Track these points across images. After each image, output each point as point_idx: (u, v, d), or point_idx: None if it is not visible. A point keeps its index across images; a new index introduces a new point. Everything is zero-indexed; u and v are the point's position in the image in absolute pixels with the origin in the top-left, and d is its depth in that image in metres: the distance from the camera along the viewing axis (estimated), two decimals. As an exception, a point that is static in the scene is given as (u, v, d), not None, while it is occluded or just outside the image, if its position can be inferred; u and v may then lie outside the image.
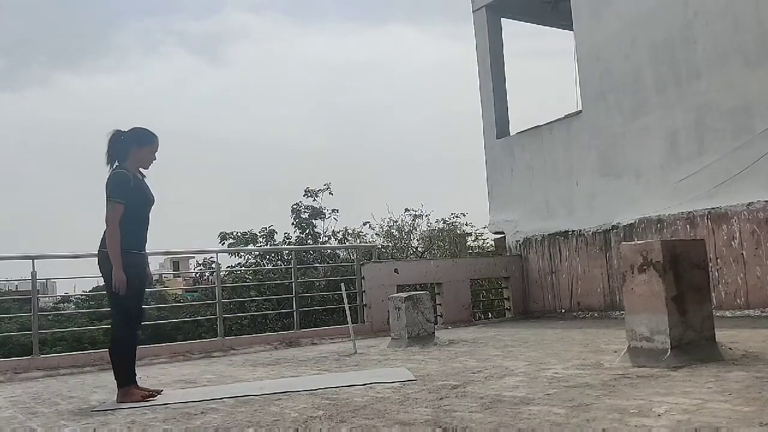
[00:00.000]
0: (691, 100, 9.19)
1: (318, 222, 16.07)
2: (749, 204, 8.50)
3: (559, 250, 10.98)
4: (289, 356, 7.33)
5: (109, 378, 5.10)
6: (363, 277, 9.87)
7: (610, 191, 10.27)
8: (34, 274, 7.52)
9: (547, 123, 11.49)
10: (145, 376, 5.86)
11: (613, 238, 10.14)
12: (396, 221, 18.90)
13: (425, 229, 19.06)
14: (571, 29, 11.15)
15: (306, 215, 15.99)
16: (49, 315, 18.02)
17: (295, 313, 9.42)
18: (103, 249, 4.61)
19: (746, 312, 8.38)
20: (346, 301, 7.58)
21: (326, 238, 16.17)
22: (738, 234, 8.62)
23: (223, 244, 15.08)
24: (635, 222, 9.85)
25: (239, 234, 15.41)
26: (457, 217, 19.04)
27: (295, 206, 16.04)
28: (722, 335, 4.97)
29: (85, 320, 16.55)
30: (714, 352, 4.51)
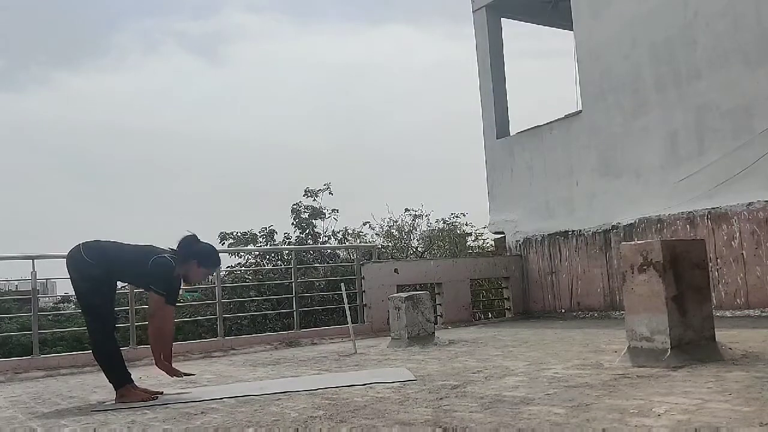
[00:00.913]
0: (691, 100, 9.19)
1: (318, 222, 16.05)
2: (749, 204, 8.51)
3: (559, 250, 10.98)
4: (289, 356, 7.33)
5: (109, 378, 5.09)
6: (363, 277, 9.87)
7: (610, 191, 10.27)
8: (34, 274, 7.53)
9: (547, 123, 11.50)
10: (145, 376, 5.86)
11: (613, 238, 10.14)
12: (396, 221, 18.86)
13: (425, 229, 19.03)
14: (571, 29, 11.15)
15: (306, 215, 15.97)
16: (49, 315, 17.95)
17: (295, 313, 9.42)
18: (75, 254, 4.61)
19: (746, 312, 8.39)
20: (346, 301, 7.58)
21: (326, 238, 16.14)
22: (738, 234, 8.62)
23: (222, 244, 15.04)
24: (635, 222, 9.85)
25: (239, 234, 15.38)
26: (457, 217, 19.01)
27: (295, 206, 16.02)
28: (722, 335, 4.97)
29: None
30: (714, 352, 4.51)
